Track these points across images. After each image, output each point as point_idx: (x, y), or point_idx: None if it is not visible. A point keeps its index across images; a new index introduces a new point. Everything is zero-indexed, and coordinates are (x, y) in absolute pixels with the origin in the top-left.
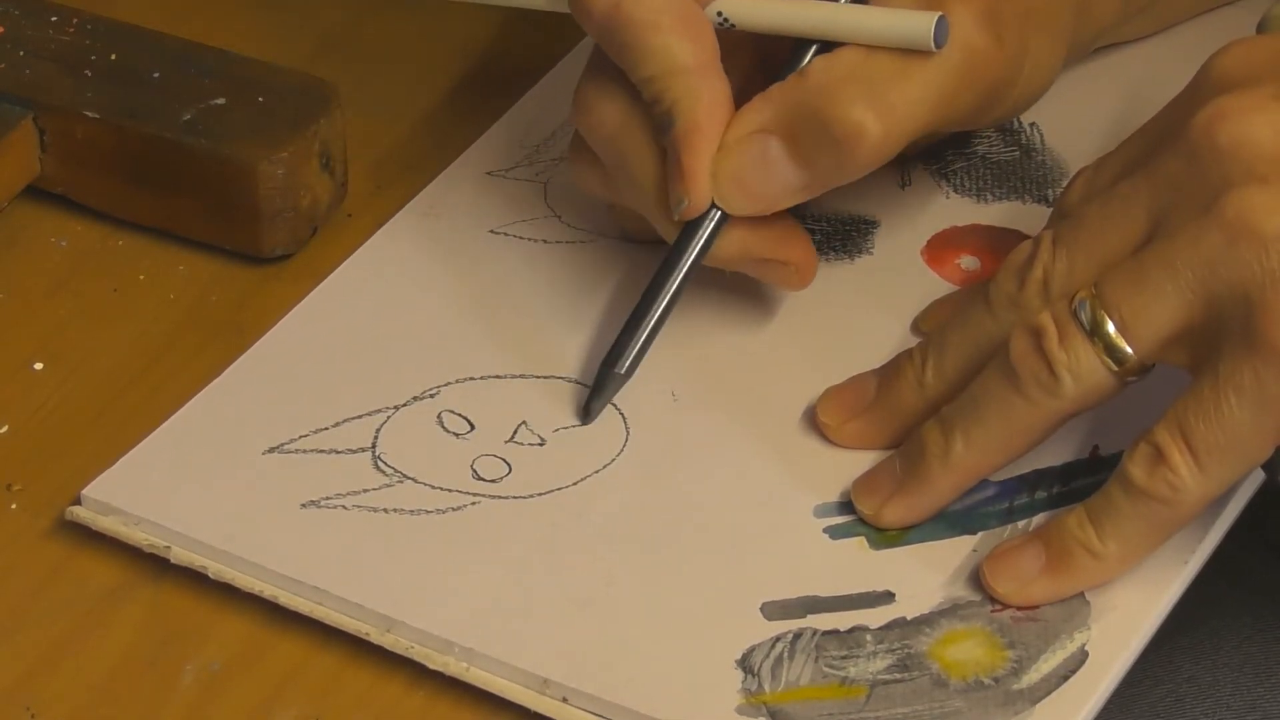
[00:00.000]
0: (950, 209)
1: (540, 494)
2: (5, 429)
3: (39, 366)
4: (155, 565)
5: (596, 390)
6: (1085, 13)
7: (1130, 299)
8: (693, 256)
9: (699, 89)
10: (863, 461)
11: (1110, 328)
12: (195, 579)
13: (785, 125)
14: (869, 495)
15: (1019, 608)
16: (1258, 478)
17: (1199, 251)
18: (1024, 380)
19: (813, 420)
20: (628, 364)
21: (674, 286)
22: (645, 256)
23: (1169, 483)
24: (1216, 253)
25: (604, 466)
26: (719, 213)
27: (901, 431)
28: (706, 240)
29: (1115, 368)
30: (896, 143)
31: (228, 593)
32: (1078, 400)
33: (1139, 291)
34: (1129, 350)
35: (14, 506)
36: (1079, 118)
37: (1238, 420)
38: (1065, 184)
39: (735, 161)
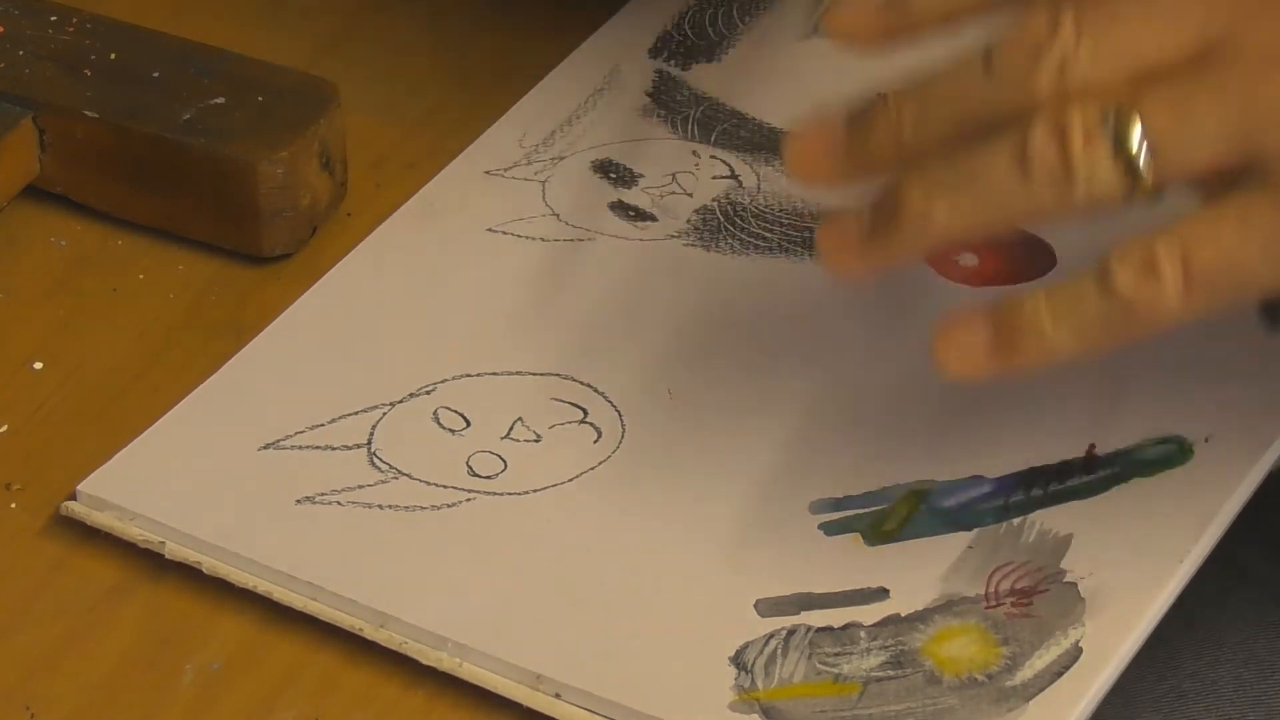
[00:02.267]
0: None
1: (535, 490)
2: (5, 429)
3: (38, 366)
4: (155, 565)
5: None
6: None
7: (1171, 129)
8: None
9: None
10: (859, 456)
11: (1139, 150)
12: (195, 579)
13: None
14: (830, 239)
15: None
16: (1259, 474)
17: (1261, 96)
18: (1036, 172)
19: (808, 417)
20: None
21: None
22: (645, 256)
23: (1151, 297)
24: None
25: (599, 463)
26: None
27: (863, 177)
28: None
29: (1130, 189)
30: None
31: (227, 592)
32: (1080, 208)
33: (1181, 122)
34: (1150, 178)
35: (13, 506)
36: None
37: (1242, 256)
38: None
39: None
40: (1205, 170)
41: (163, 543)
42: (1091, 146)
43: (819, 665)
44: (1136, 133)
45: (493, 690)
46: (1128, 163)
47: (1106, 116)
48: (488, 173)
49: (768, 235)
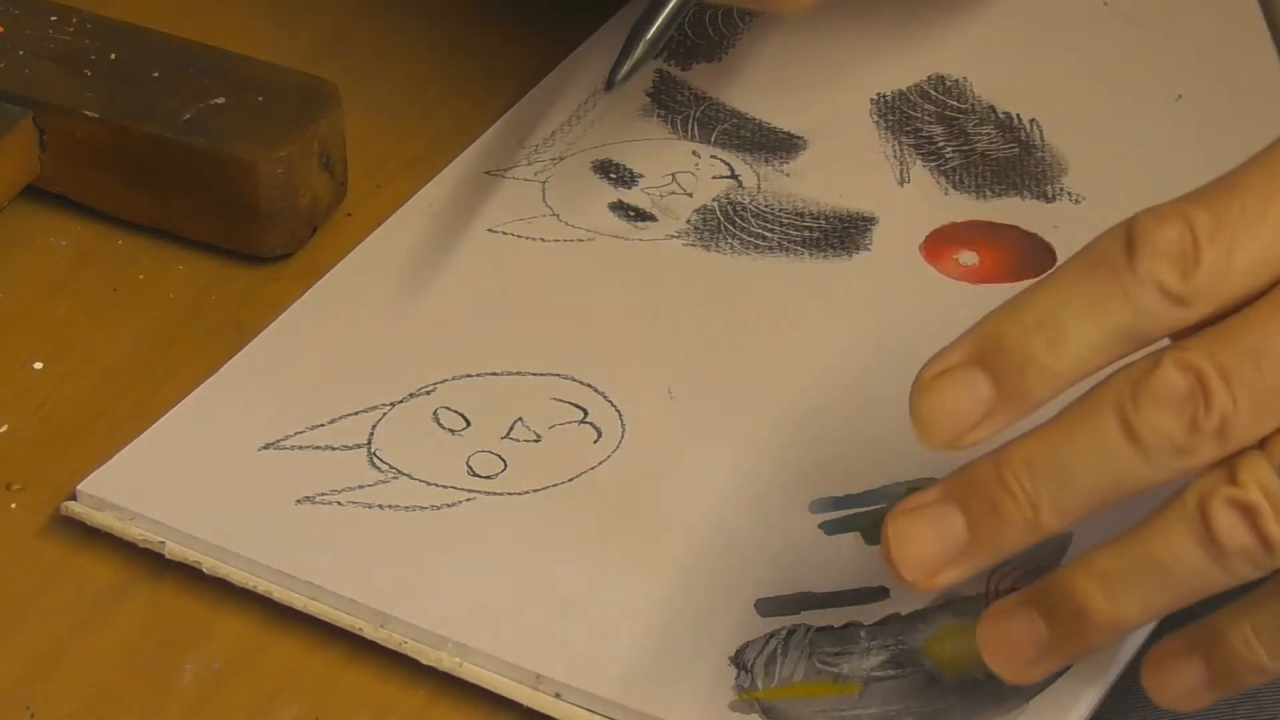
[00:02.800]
0: (949, 205)
1: (535, 490)
2: (5, 428)
3: (39, 366)
4: (155, 564)
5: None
6: None
7: None
8: None
9: None
10: (862, 460)
11: None
12: (195, 578)
13: None
14: (1009, 661)
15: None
16: None
17: None
18: (1233, 556)
19: (808, 417)
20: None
21: None
22: (642, 255)
23: None
24: None
25: (599, 463)
26: None
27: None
28: None
29: None
30: None
31: (227, 592)
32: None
33: None
34: None
35: (13, 506)
36: (1079, 115)
37: None
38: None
39: None
40: None
41: (163, 542)
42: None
43: (819, 665)
44: None
45: (493, 690)
46: None
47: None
48: (488, 173)
49: (768, 235)
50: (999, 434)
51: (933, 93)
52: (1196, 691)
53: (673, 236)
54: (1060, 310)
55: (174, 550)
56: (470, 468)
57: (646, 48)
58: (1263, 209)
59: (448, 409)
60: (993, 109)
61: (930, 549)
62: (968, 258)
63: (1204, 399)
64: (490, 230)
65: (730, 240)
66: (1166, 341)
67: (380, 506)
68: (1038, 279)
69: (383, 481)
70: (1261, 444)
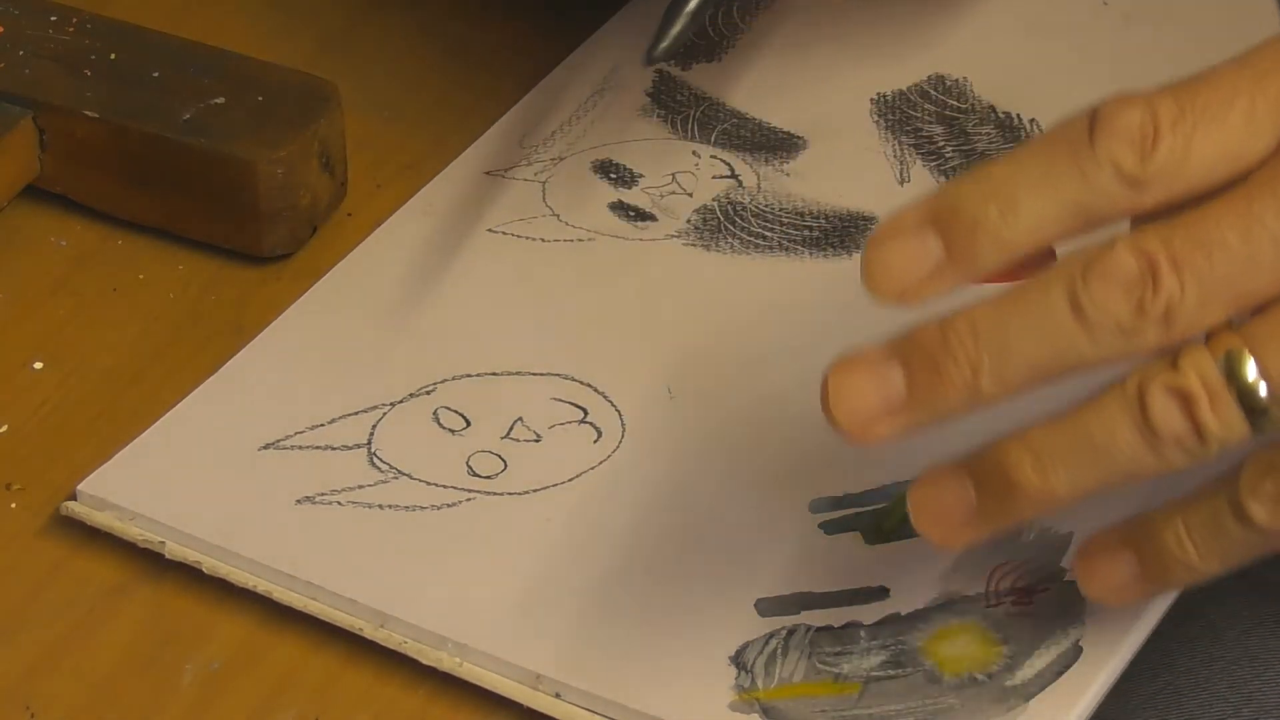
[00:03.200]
0: None
1: (535, 490)
2: (5, 428)
3: (39, 366)
4: (155, 564)
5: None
6: None
7: None
8: None
9: None
10: (861, 460)
11: (1263, 393)
12: (195, 578)
13: None
14: (937, 523)
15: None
16: None
17: None
18: (1166, 442)
19: (808, 416)
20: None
21: None
22: (642, 255)
23: None
24: None
25: (599, 463)
26: None
27: (926, 427)
28: None
29: (1259, 429)
30: None
31: (227, 592)
32: (1211, 459)
33: None
34: (1278, 413)
35: (13, 506)
36: None
37: None
38: (1109, 111)
39: None
40: None
41: (163, 542)
42: (1220, 407)
43: (819, 665)
44: (1252, 373)
45: (493, 690)
46: (1252, 408)
47: (1220, 365)
48: (488, 173)
49: (768, 235)
50: (945, 295)
51: (933, 93)
52: (1127, 586)
53: (673, 236)
54: (1016, 180)
55: (174, 550)
56: (470, 468)
57: (688, 20)
58: (1227, 104)
59: (448, 409)
60: (993, 109)
61: (868, 401)
62: None
63: (1152, 283)
64: (490, 230)
65: (730, 240)
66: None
67: (380, 506)
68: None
69: (383, 481)
70: (1207, 337)
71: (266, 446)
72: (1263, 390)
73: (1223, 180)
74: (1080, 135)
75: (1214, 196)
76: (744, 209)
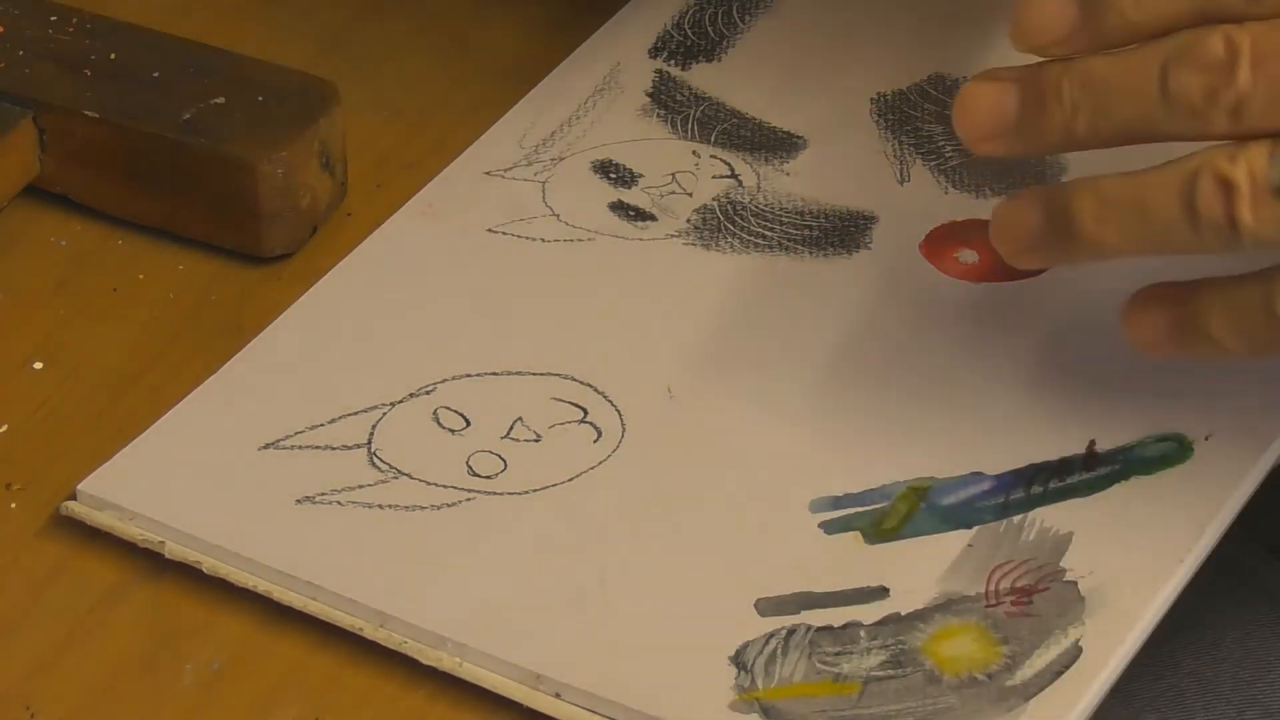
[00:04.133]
0: (949, 204)
1: (535, 490)
2: (5, 428)
3: (39, 366)
4: (155, 564)
5: None
6: None
7: None
8: None
9: None
10: (860, 454)
11: None
12: (195, 579)
13: None
14: (1008, 240)
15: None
16: (1260, 474)
17: None
18: (1203, 222)
19: (808, 416)
20: None
21: None
22: (642, 255)
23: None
24: None
25: (599, 463)
26: None
27: (1025, 152)
28: None
29: None
30: None
31: (227, 592)
32: (1245, 255)
33: None
34: None
35: (13, 506)
36: None
37: None
38: None
39: None
40: None
41: (163, 542)
42: (1260, 205)
43: (819, 664)
44: None
45: (492, 690)
46: None
47: (1274, 166)
48: (488, 173)
49: (768, 234)
50: (1069, 54)
51: (933, 92)
52: (1159, 336)
53: (673, 236)
54: None
55: (174, 550)
56: (470, 468)
57: None
58: None
59: (448, 409)
60: None
61: (982, 117)
62: (968, 256)
63: (1230, 73)
64: (490, 230)
65: (730, 239)
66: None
67: (380, 506)
68: None
69: (383, 481)
70: (1276, 139)
71: (266, 446)
72: None
73: None
74: None
75: None
76: (744, 209)
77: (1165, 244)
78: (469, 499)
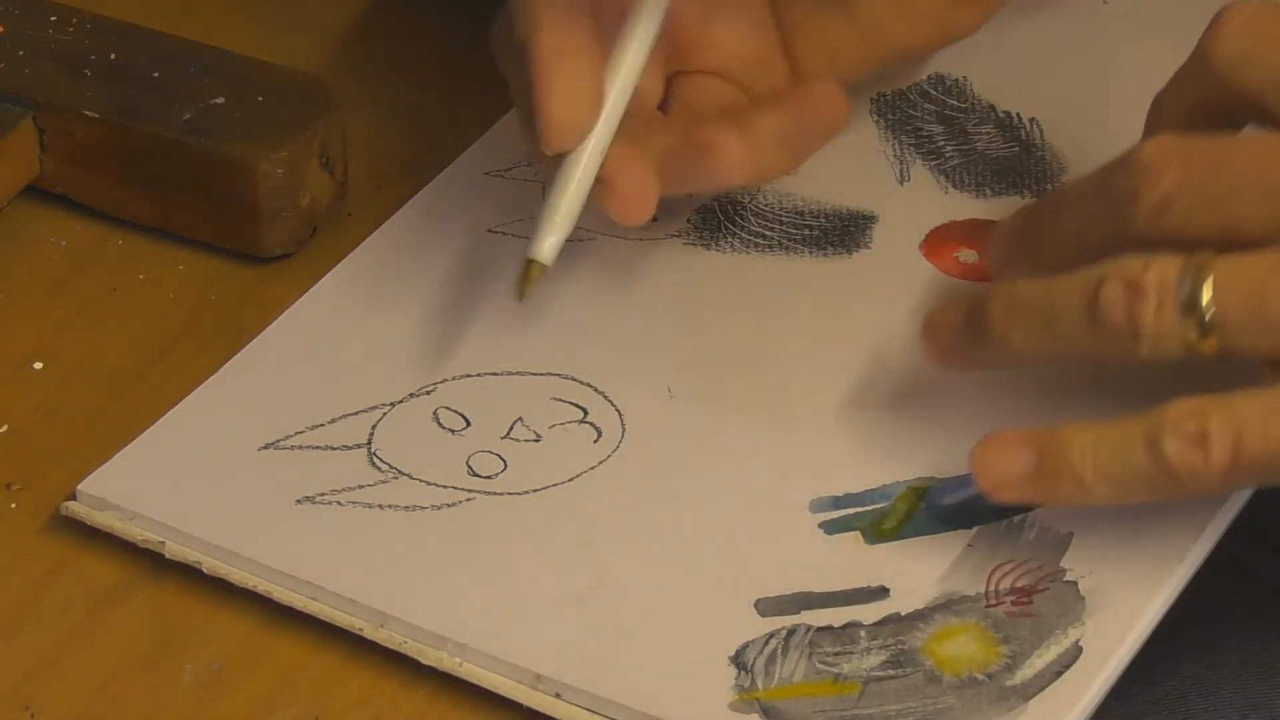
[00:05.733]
0: (949, 204)
1: (535, 490)
2: (5, 429)
3: (38, 366)
4: (155, 564)
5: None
6: None
7: (1242, 310)
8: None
9: (540, 20)
10: (860, 454)
11: (1208, 317)
12: (195, 578)
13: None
14: (930, 338)
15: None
16: None
17: None
18: (1104, 327)
19: (808, 415)
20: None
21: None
22: (642, 255)
23: (1197, 470)
24: None
25: (600, 463)
26: (593, 142)
27: (1028, 246)
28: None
29: (1192, 353)
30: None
31: (227, 592)
32: (1145, 362)
33: (1258, 308)
34: (1215, 346)
35: (13, 506)
36: (1079, 114)
37: None
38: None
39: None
40: (1268, 355)
41: (162, 543)
42: (1162, 313)
43: (819, 665)
44: (1207, 294)
45: (492, 690)
46: (1200, 328)
47: (1184, 279)
48: (487, 173)
49: (768, 234)
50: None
51: (933, 92)
52: (1014, 484)
53: (673, 236)
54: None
55: (174, 550)
56: (470, 468)
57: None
58: None
59: (448, 409)
60: (993, 108)
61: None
62: (968, 255)
63: (1158, 174)
64: (490, 230)
65: (730, 239)
66: None
67: (380, 506)
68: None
69: (383, 481)
70: (1190, 255)
71: (266, 446)
72: (1209, 314)
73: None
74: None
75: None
76: (744, 208)
77: (1068, 346)
78: (469, 499)
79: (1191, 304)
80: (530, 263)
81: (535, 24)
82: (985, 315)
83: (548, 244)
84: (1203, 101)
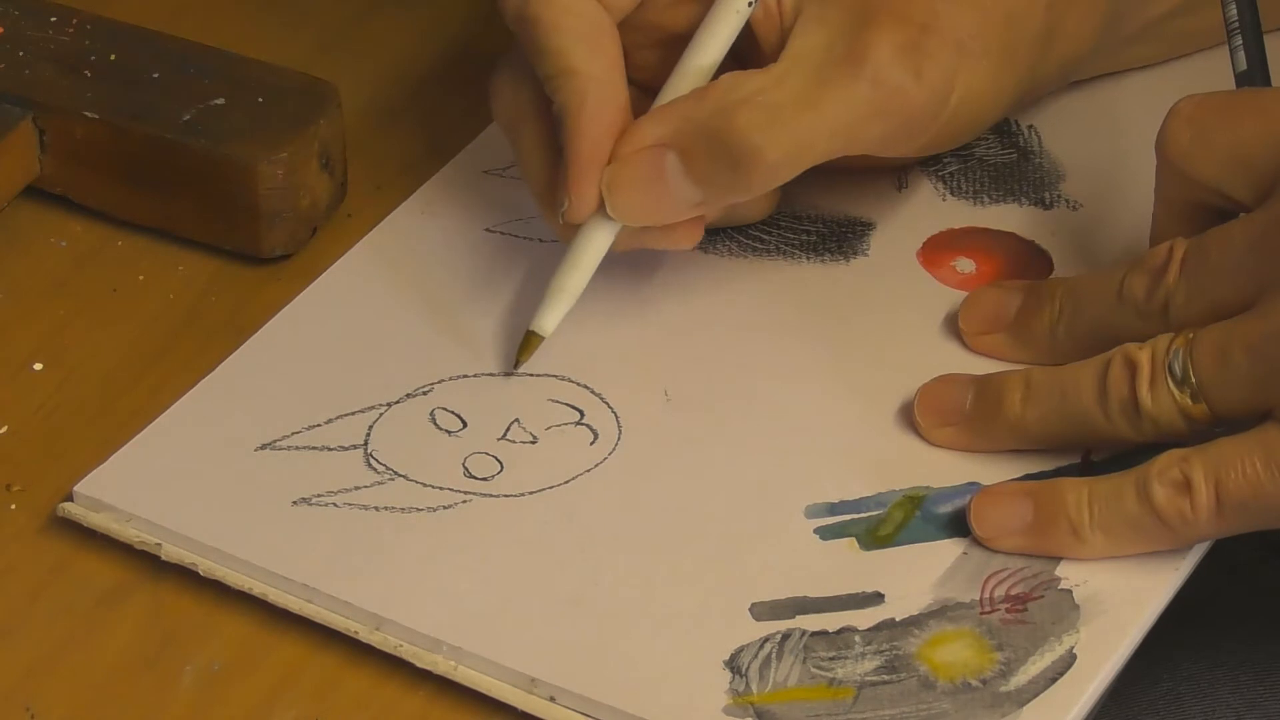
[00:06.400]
0: (947, 211)
1: (531, 492)
2: (5, 429)
3: (38, 366)
4: (155, 565)
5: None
6: (1050, 42)
7: (1212, 370)
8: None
9: (587, 93)
10: (856, 461)
11: (1192, 385)
12: (195, 579)
13: (684, 141)
14: (931, 413)
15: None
16: None
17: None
18: (1111, 403)
19: (804, 421)
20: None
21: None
22: (641, 255)
23: (1184, 515)
24: None
25: (596, 465)
26: (610, 222)
27: (1023, 355)
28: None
29: (1190, 421)
30: (793, 169)
31: (227, 592)
32: (1152, 436)
33: (1222, 366)
34: (1205, 410)
35: (13, 507)
36: (1078, 121)
37: (1272, 492)
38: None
39: (629, 173)
40: (1246, 409)
41: (159, 544)
42: (1156, 386)
43: (814, 669)
44: (1188, 366)
45: (487, 693)
46: (1192, 397)
47: (1173, 353)
48: (486, 173)
49: (766, 237)
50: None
51: None
52: (1013, 534)
53: None
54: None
55: (170, 552)
56: (467, 469)
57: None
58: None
59: (444, 410)
60: None
61: (989, 314)
62: (965, 265)
63: (1163, 273)
64: (489, 230)
65: (728, 243)
66: None
67: (376, 508)
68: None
69: (379, 483)
70: (1183, 332)
71: (263, 447)
72: (1192, 378)
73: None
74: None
75: None
76: None
77: (1081, 427)
78: (465, 501)
79: (1181, 374)
80: (531, 335)
81: (580, 96)
82: (1003, 395)
83: (552, 319)
84: (1179, 198)
